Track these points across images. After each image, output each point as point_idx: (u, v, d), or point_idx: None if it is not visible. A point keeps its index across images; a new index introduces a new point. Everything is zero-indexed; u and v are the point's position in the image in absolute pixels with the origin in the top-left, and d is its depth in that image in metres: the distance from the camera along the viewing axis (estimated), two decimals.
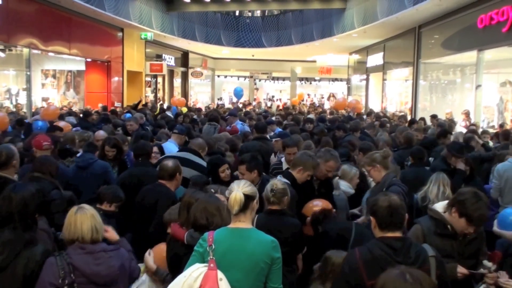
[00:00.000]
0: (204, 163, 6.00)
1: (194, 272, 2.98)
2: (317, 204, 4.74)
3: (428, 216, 3.70)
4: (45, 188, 4.34)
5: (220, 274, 2.96)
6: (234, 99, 26.87)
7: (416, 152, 6.55)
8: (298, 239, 4.17)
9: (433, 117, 12.90)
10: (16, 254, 3.10)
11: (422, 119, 13.52)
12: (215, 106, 23.58)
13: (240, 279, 3.03)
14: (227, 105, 26.91)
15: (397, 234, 3.01)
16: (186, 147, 6.77)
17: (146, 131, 9.19)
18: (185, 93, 28.73)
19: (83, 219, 3.13)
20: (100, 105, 16.81)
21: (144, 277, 3.67)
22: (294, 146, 6.27)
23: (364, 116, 14.95)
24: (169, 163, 4.92)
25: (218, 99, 32.90)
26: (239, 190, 3.13)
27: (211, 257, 3.02)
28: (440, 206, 3.67)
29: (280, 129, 10.18)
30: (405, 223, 3.12)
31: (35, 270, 3.07)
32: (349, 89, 29.34)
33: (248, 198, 3.14)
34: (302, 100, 29.97)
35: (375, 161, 4.99)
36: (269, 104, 32.83)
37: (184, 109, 15.30)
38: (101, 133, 7.54)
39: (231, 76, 36.54)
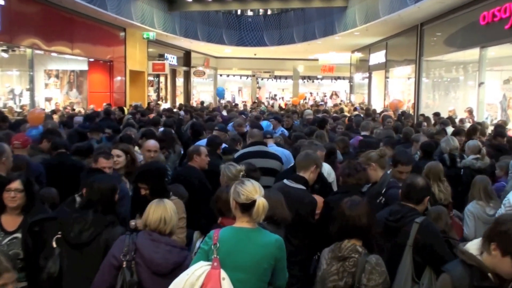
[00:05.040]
0: (275, 151, 6.46)
1: (197, 270, 2.98)
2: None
3: (459, 261, 2.71)
4: None
5: (223, 274, 2.95)
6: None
7: (426, 145, 6.78)
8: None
9: (436, 115, 12.89)
10: (99, 233, 3.58)
11: (422, 115, 13.51)
12: (216, 105, 23.57)
13: (243, 279, 3.03)
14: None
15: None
16: (257, 141, 6.67)
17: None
18: (187, 92, 28.75)
19: (156, 209, 3.41)
20: (104, 104, 16.82)
21: (198, 244, 3.89)
22: (410, 164, 5.06)
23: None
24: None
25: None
26: (261, 197, 3.09)
27: (215, 255, 3.02)
28: (474, 246, 2.68)
29: (283, 129, 10.11)
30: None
31: None
32: (351, 87, 29.36)
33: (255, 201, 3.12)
34: (304, 99, 29.96)
35: (370, 160, 4.93)
36: (271, 103, 32.81)
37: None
38: (152, 143, 6.16)
39: (234, 75, 36.54)
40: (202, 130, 8.53)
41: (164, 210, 3.41)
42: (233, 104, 26.08)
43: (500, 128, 9.28)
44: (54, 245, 3.61)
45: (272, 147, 6.92)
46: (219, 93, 20.11)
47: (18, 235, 3.78)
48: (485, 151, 6.79)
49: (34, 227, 3.73)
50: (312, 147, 5.45)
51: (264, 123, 9.30)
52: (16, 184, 3.83)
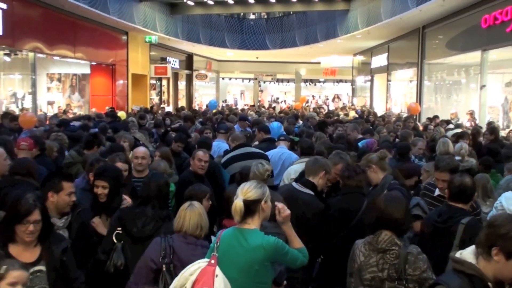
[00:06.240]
0: (261, 150, 6.57)
1: (193, 266, 3.10)
2: None
3: (453, 272, 2.53)
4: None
5: (217, 271, 3.03)
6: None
7: (401, 147, 6.93)
8: None
9: (436, 117, 12.86)
10: (159, 226, 3.80)
11: (429, 119, 13.45)
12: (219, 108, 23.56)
13: (236, 279, 3.07)
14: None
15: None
16: (240, 143, 6.82)
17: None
18: (189, 96, 28.80)
19: (192, 215, 3.52)
20: (107, 108, 16.85)
21: None
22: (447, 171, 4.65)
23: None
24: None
25: (223, 101, 32.92)
26: (241, 197, 3.13)
27: (214, 253, 3.12)
28: (470, 255, 2.50)
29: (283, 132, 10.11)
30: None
31: None
32: (353, 90, 29.34)
33: (252, 203, 3.14)
34: (306, 102, 29.97)
35: (371, 162, 4.94)
36: (273, 105, 32.82)
37: (122, 114, 15.27)
38: (141, 150, 5.77)
39: (236, 78, 36.62)
40: (188, 134, 8.60)
41: (200, 217, 3.54)
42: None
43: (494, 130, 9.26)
44: (115, 240, 3.82)
45: (282, 149, 6.96)
46: (211, 106, 20.29)
47: (41, 267, 3.16)
48: (465, 153, 6.82)
49: (62, 257, 3.30)
50: (335, 158, 5.25)
51: (274, 124, 9.32)
52: (36, 215, 3.11)
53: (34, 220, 3.09)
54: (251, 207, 3.13)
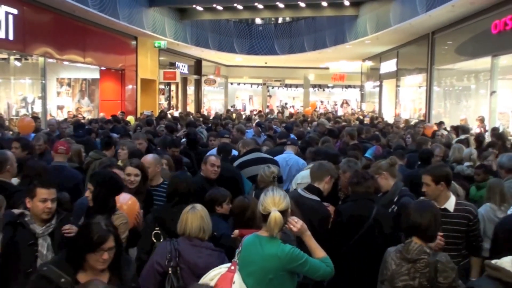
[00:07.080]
0: (271, 156, 6.61)
1: (214, 271, 3.17)
2: None
3: (487, 278, 2.53)
4: None
5: (236, 277, 3.06)
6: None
7: (424, 152, 6.85)
8: None
9: (441, 123, 12.77)
10: None
11: (437, 124, 13.36)
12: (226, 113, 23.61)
13: (252, 285, 3.08)
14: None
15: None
16: (252, 148, 6.82)
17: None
18: (198, 101, 28.87)
19: (194, 218, 3.55)
20: (119, 112, 16.93)
21: None
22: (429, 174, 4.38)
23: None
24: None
25: (231, 107, 32.96)
26: (276, 209, 3.10)
27: (235, 259, 3.17)
28: (508, 262, 2.52)
29: (293, 135, 10.11)
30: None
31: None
32: (362, 96, 29.26)
33: (285, 213, 3.16)
34: (316, 108, 29.94)
35: (381, 168, 4.91)
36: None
37: (132, 119, 15.40)
38: (146, 159, 5.40)
39: (244, 84, 36.63)
40: (197, 139, 8.59)
41: (202, 220, 3.56)
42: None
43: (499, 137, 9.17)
44: (154, 239, 3.94)
45: (289, 155, 6.95)
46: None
47: None
48: (475, 158, 6.74)
49: (132, 283, 3.11)
50: (344, 166, 5.29)
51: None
52: (111, 242, 2.90)
53: (109, 247, 2.87)
54: (284, 217, 3.15)
